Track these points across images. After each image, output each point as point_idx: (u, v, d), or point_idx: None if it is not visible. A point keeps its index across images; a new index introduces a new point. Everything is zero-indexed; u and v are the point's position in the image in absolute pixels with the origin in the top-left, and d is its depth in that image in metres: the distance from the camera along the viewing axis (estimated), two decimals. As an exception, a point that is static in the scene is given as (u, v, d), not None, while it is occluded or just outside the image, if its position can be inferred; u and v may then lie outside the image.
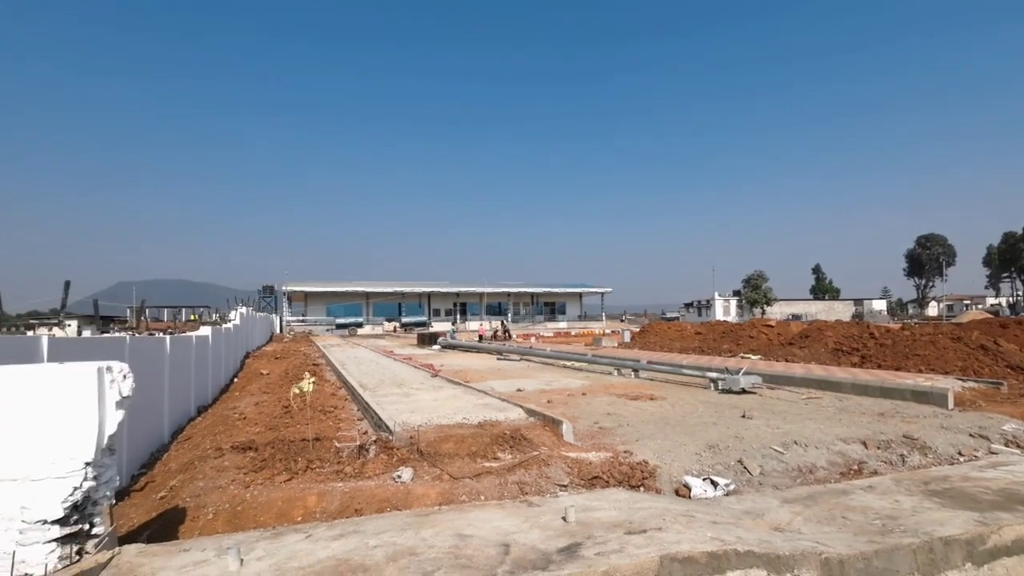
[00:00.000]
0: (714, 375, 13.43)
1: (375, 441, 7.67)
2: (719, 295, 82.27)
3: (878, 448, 8.03)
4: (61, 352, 5.92)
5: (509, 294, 76.48)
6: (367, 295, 69.29)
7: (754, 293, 76.78)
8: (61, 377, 4.02)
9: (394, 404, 10.70)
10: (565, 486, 6.41)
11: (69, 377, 4.02)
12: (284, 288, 65.44)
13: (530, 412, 9.49)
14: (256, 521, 5.61)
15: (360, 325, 65.10)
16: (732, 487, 6.65)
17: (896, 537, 4.38)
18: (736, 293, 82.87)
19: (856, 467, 7.47)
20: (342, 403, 12.42)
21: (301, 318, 65.89)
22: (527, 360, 22.66)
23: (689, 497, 6.35)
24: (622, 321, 79.32)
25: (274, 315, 61.07)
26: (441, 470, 6.63)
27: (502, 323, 52.59)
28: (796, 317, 64.99)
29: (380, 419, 9.21)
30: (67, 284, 21.79)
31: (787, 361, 19.60)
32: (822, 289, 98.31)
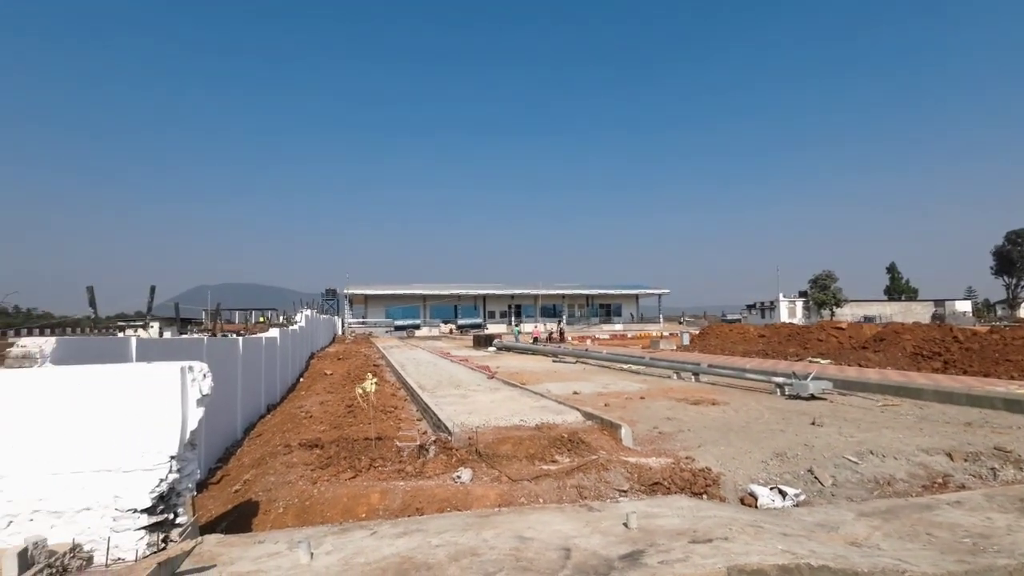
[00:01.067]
0: (780, 379, 12.88)
1: (434, 441, 7.81)
2: (784, 296, 78.83)
3: (965, 460, 7.46)
4: (147, 352, 6.35)
5: (564, 296, 76.14)
6: (424, 298, 70.74)
7: (822, 294, 73.08)
8: (149, 376, 4.31)
9: (452, 405, 10.86)
10: (625, 491, 6.31)
11: (156, 376, 4.31)
12: (346, 291, 67.75)
13: (587, 415, 9.41)
14: (323, 516, 5.82)
15: (418, 327, 66.50)
16: (802, 497, 6.35)
17: (989, 557, 4.05)
18: (802, 294, 79.14)
19: (940, 480, 6.97)
20: (402, 403, 12.71)
21: (361, 320, 67.99)
22: (583, 363, 22.48)
23: (755, 507, 6.11)
24: (680, 323, 77.40)
25: (336, 317, 63.34)
26: (499, 472, 6.67)
27: (557, 325, 52.41)
28: (869, 319, 61.42)
29: (439, 420, 9.36)
30: (152, 289, 23.61)
31: (860, 366, 18.53)
32: (897, 289, 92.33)
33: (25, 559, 3.49)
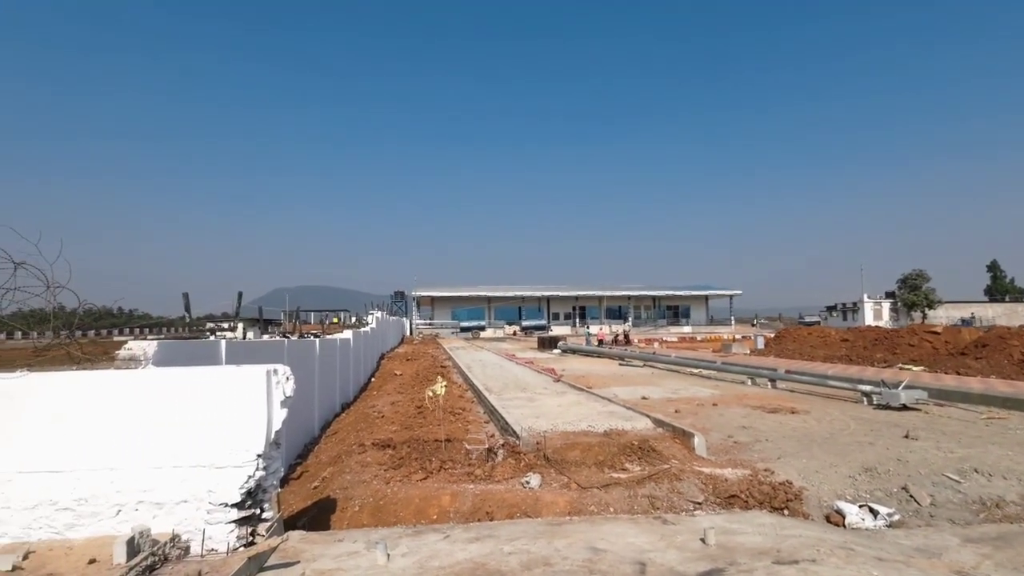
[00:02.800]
0: (867, 388, 12.05)
1: (503, 445, 7.85)
2: (868, 297, 73.80)
3: (1090, 483, 6.69)
4: (235, 355, 6.76)
5: (629, 297, 74.76)
6: (489, 299, 71.48)
7: (912, 295, 67.79)
8: (238, 378, 4.58)
9: (519, 409, 10.88)
10: (699, 503, 6.09)
11: (244, 378, 4.56)
12: (413, 293, 69.61)
13: (658, 422, 9.16)
14: (396, 516, 5.97)
15: (483, 328, 67.29)
16: (896, 518, 5.90)
17: None
18: (889, 295, 73.75)
19: (1060, 505, 6.28)
20: (469, 405, 12.87)
21: (429, 321, 69.58)
22: (650, 366, 21.97)
23: (843, 526, 5.74)
24: (753, 325, 74.15)
25: (404, 319, 65.17)
26: (568, 478, 6.61)
27: (623, 327, 51.54)
28: (966, 322, 56.44)
29: (507, 423, 9.40)
30: (240, 295, 25.48)
31: (959, 374, 17.06)
32: (1001, 289, 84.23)
33: (132, 547, 3.78)
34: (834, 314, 79.35)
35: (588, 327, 45.27)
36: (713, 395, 13.82)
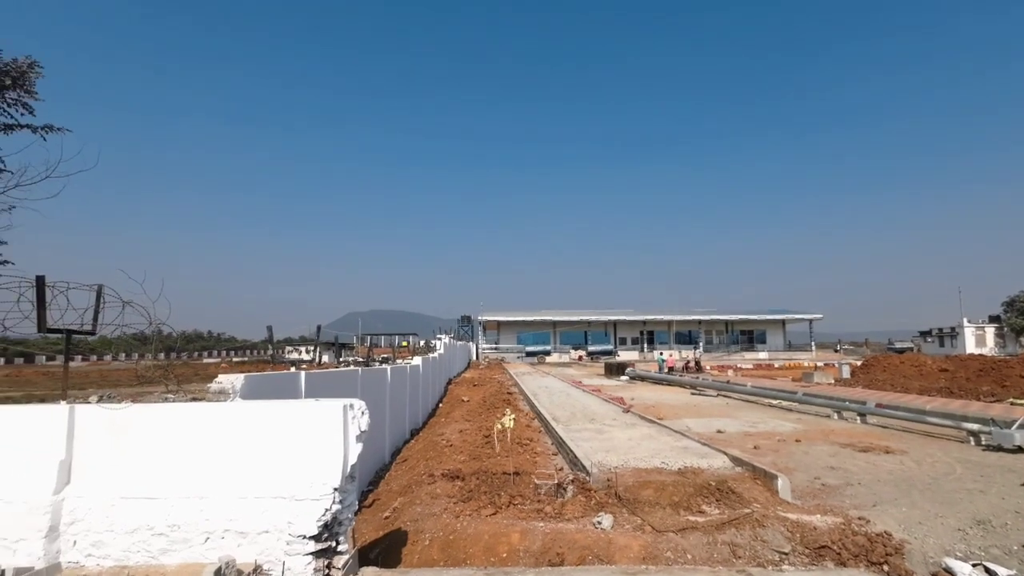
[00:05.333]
0: (975, 426, 10.96)
1: (572, 481, 7.67)
2: (969, 321, 67.61)
3: None
4: (313, 386, 7.03)
5: (700, 322, 72.20)
6: (554, 324, 71.14)
7: (1022, 319, 61.59)
8: (316, 412, 4.73)
9: (588, 442, 10.64)
10: (786, 554, 5.68)
11: (322, 413, 4.71)
12: (480, 318, 70.39)
13: (736, 460, 8.69)
14: (466, 552, 5.93)
15: (548, 353, 66.93)
16: (1019, 582, 5.25)
17: None
18: (994, 319, 67.28)
19: None
20: (536, 435, 12.74)
21: (494, 346, 70.02)
22: (724, 396, 21.01)
23: (955, 588, 5.16)
24: (836, 352, 69.58)
25: (471, 343, 65.92)
26: (642, 520, 6.35)
27: (694, 353, 49.79)
28: (1090, 350, 50.50)
29: (575, 457, 9.21)
30: (319, 328, 27.06)
31: (1084, 411, 15.19)
32: None
33: (219, 575, 3.95)
34: (929, 340, 73.13)
35: (660, 353, 43.88)
36: (795, 429, 12.99)
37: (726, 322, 73.41)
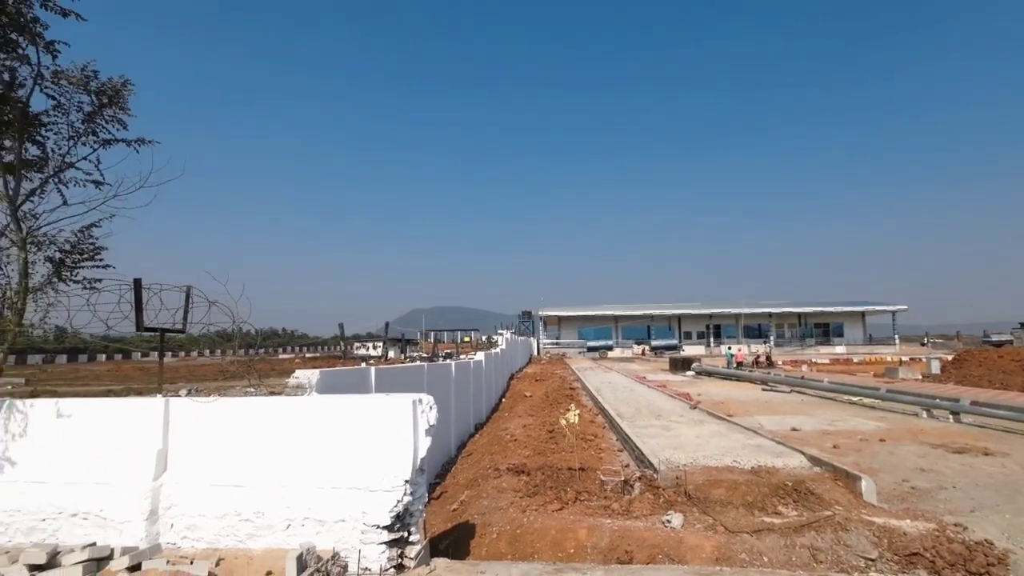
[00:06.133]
0: (1090, 428, 9.93)
1: (639, 478, 7.55)
2: (1080, 312, 61.13)
3: None
4: (383, 381, 7.26)
5: (771, 315, 69.15)
6: (616, 318, 70.20)
7: None
8: (387, 406, 4.88)
9: (655, 438, 10.43)
10: (872, 560, 5.35)
11: (393, 407, 4.85)
12: (540, 313, 70.43)
13: (814, 460, 8.27)
14: (533, 547, 5.96)
15: (610, 348, 66.14)
16: None
17: None
18: (1111, 309, 60.50)
19: None
20: (601, 431, 12.62)
21: (555, 341, 69.90)
22: (799, 392, 20.03)
23: (1071, 604, 4.70)
24: (923, 345, 64.82)
25: (532, 338, 66.11)
26: (713, 519, 6.16)
27: (764, 348, 47.81)
28: None
29: (642, 454, 9.05)
30: (387, 325, 28.05)
31: None
32: None
33: (301, 562, 4.15)
34: (1032, 332, 66.77)
35: (728, 347, 42.30)
36: (879, 428, 12.21)
37: (799, 314, 69.96)
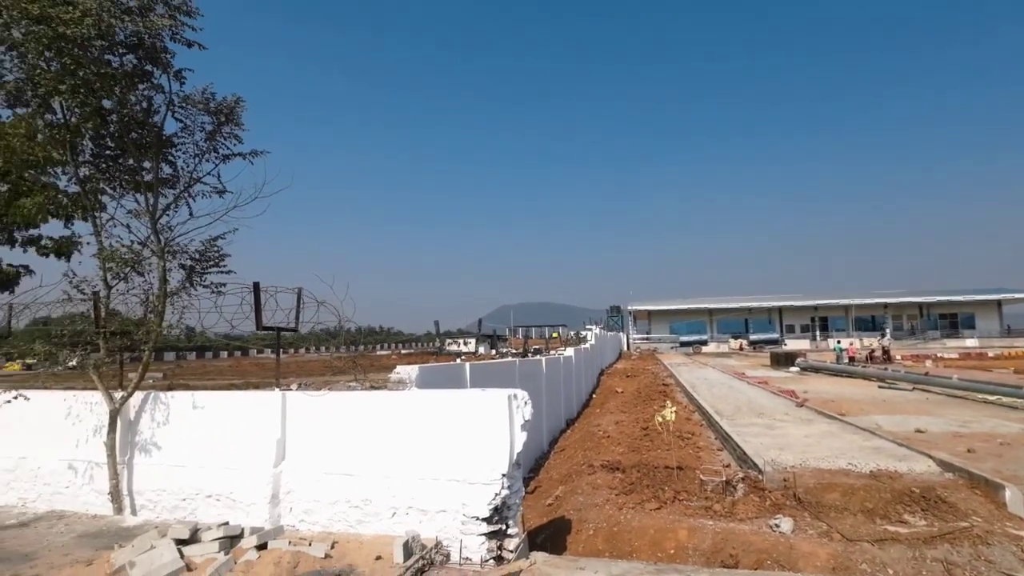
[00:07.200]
0: None
1: (742, 479, 7.19)
2: None
3: None
4: (476, 376, 7.42)
5: (886, 305, 63.28)
6: (710, 312, 67.28)
7: None
8: (483, 401, 4.98)
9: (758, 437, 9.89)
10: (1022, 580, 4.75)
11: (489, 401, 4.94)
12: (630, 307, 69.02)
13: (945, 465, 7.48)
14: (631, 545, 5.86)
15: (704, 343, 63.55)
16: None
17: None
18: None
19: None
20: (698, 429, 12.16)
21: (645, 336, 68.23)
22: (923, 390, 18.18)
23: None
24: (1078, 338, 56.62)
25: (621, 333, 64.97)
26: (828, 526, 5.75)
27: (880, 341, 43.89)
28: None
29: (744, 453, 8.62)
30: (480, 321, 28.88)
31: None
32: None
33: (407, 549, 4.34)
34: None
35: (838, 341, 39.11)
36: (1022, 432, 10.82)
37: (920, 304, 63.50)
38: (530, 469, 10.28)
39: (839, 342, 36.94)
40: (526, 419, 5.01)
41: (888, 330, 59.81)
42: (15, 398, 6.10)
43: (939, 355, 40.22)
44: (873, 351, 36.78)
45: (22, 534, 5.25)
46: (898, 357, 36.66)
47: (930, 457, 7.85)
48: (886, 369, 25.06)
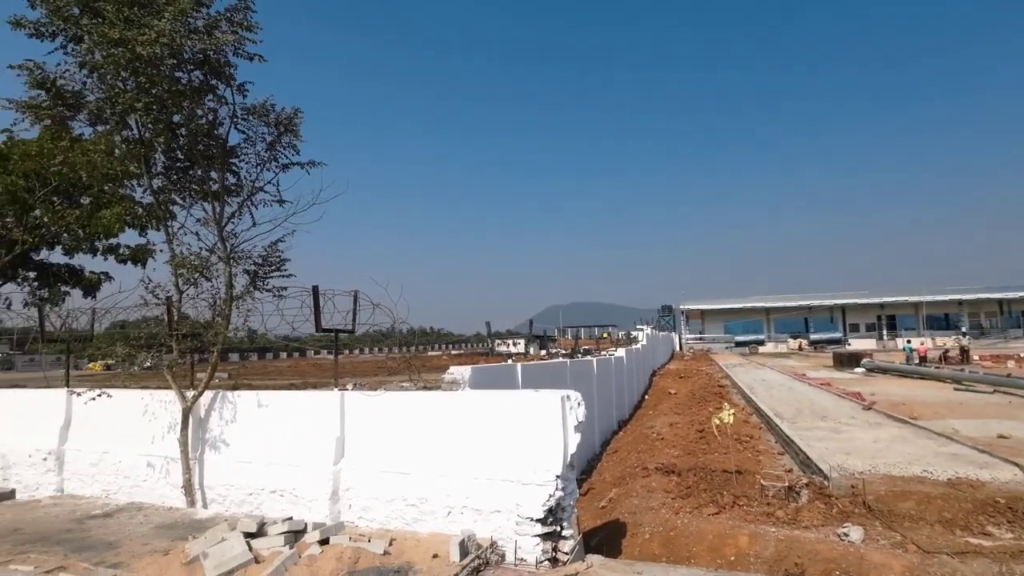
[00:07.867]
0: None
1: (806, 484, 6.90)
2: None
3: None
4: (528, 377, 7.43)
5: (961, 302, 59.30)
6: (767, 311, 64.86)
7: None
8: (536, 402, 4.96)
9: (822, 441, 9.46)
10: None
11: (542, 402, 4.93)
12: (681, 307, 67.43)
13: (1034, 474, 6.93)
14: (689, 551, 5.71)
15: (761, 343, 61.35)
16: None
17: None
18: None
19: None
20: (756, 432, 11.75)
21: (699, 336, 66.47)
22: (1005, 393, 16.92)
23: None
24: None
25: (673, 333, 63.55)
26: (902, 536, 5.43)
27: (956, 340, 41.15)
28: None
29: (808, 458, 8.26)
30: (531, 322, 29.07)
31: None
32: None
33: (463, 548, 4.38)
34: None
35: (908, 340, 36.84)
36: (1125, 439, 9.90)
37: (1000, 301, 59.18)
38: (582, 471, 10.19)
39: (909, 341, 34.83)
40: (580, 420, 4.97)
41: (964, 328, 56.01)
42: (99, 395, 6.54)
43: (1022, 355, 37.34)
44: (948, 351, 34.54)
45: (106, 524, 5.62)
46: (976, 357, 34.26)
47: (1016, 465, 7.29)
48: (962, 370, 23.48)
